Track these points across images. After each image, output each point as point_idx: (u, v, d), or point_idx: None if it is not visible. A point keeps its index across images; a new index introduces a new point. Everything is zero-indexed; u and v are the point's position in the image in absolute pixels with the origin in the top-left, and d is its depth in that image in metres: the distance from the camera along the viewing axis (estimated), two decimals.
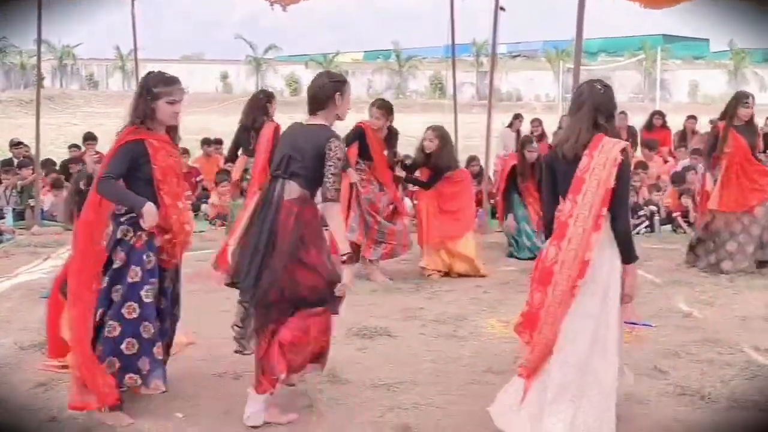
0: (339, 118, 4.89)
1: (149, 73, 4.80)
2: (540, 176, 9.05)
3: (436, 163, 8.75)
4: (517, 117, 15.81)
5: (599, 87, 4.38)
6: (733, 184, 8.60)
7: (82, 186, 6.62)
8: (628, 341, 5.76)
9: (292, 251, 4.54)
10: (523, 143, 10.27)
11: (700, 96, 50.62)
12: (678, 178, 12.60)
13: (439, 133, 8.74)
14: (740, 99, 8.68)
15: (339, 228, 4.87)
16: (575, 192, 4.19)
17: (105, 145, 7.01)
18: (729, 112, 8.61)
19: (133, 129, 4.67)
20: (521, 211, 9.98)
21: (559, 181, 4.34)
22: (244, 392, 5.12)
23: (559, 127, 13.84)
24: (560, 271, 4.19)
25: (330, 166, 4.67)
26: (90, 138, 15.05)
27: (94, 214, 4.72)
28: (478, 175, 12.89)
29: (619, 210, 4.22)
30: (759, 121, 15.17)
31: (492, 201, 12.22)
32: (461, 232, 8.79)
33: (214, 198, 12.99)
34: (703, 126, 15.37)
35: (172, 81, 4.67)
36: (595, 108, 4.30)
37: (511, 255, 9.91)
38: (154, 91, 4.62)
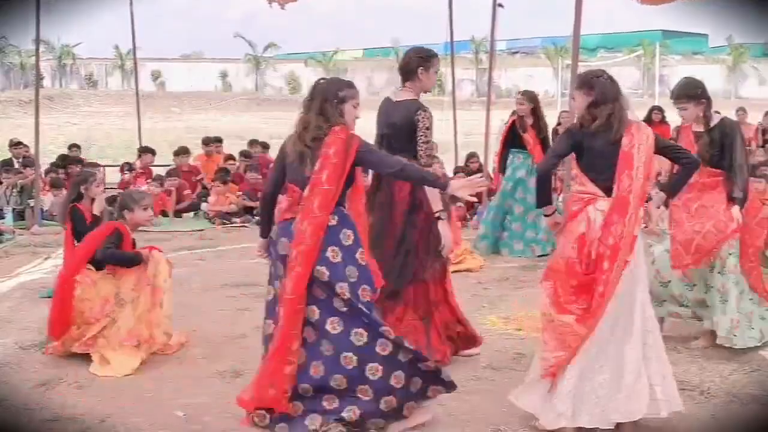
0: (424, 90, 5.46)
1: (323, 80, 4.68)
2: (539, 124, 9.74)
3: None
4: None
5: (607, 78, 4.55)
6: None
7: (82, 190, 6.66)
8: None
9: (411, 220, 5.23)
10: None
11: None
12: None
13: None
14: None
15: (432, 190, 5.15)
16: (629, 167, 4.30)
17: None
18: None
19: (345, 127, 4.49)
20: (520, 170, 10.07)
21: (585, 157, 4.47)
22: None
23: (558, 123, 13.83)
24: (623, 251, 4.26)
25: (420, 135, 5.21)
26: (147, 151, 14.83)
27: None
28: (478, 172, 12.89)
29: None
30: (756, 117, 15.27)
31: (491, 198, 12.20)
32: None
33: (212, 195, 13.00)
34: None
35: (353, 85, 4.64)
36: (618, 98, 4.49)
37: (496, 248, 9.88)
38: (341, 95, 4.49)
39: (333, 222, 4.32)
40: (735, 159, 5.83)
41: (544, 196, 4.67)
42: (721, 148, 5.89)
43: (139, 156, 14.76)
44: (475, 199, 10.94)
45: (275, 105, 44.50)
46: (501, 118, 15.36)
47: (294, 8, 11.79)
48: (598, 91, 4.46)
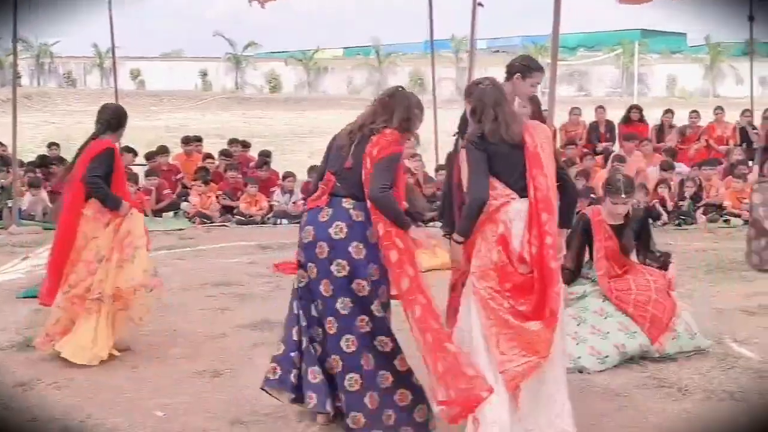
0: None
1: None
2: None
3: None
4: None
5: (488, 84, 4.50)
6: None
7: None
8: None
9: None
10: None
11: (677, 90, 50.91)
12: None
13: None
14: None
15: None
16: (539, 167, 4.28)
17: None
18: None
19: None
20: None
21: (493, 163, 4.33)
22: (224, 390, 5.15)
23: None
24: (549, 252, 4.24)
25: None
26: (129, 151, 14.23)
27: None
28: None
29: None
30: (734, 115, 15.36)
31: None
32: None
33: (194, 197, 12.94)
34: (680, 120, 15.47)
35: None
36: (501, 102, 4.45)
37: None
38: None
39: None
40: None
41: (473, 226, 4.35)
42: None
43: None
44: None
45: (255, 104, 44.34)
46: None
47: (274, 7, 11.81)
48: (476, 97, 4.45)
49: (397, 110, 4.43)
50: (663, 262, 6.01)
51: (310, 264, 4.38)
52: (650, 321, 5.69)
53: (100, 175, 5.82)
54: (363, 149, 4.34)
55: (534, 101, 9.74)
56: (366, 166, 4.30)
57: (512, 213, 4.30)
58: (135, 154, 14.47)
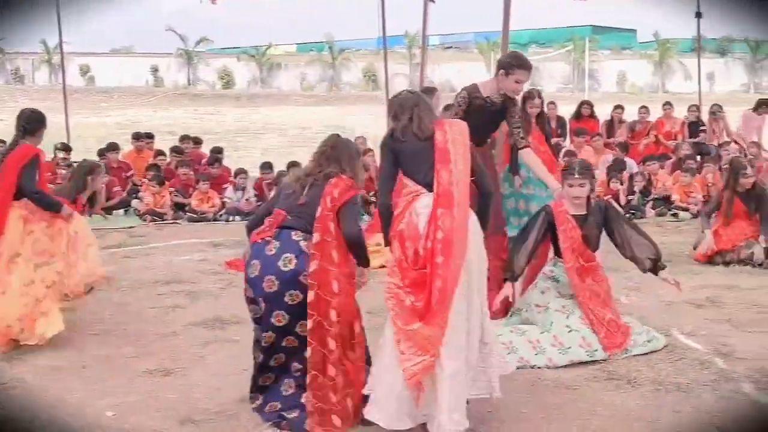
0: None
1: None
2: (546, 126, 9.47)
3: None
4: (448, 108, 15.87)
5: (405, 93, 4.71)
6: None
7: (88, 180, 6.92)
8: None
9: None
10: (524, 99, 9.40)
11: (627, 86, 51.53)
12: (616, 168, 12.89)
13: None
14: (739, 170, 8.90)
15: None
16: (446, 162, 4.32)
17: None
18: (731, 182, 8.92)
19: None
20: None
21: (404, 161, 4.49)
22: (175, 389, 5.11)
23: None
24: (456, 243, 4.22)
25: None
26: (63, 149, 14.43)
27: None
28: None
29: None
30: (681, 111, 15.60)
31: None
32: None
33: (147, 196, 12.77)
34: (630, 115, 15.67)
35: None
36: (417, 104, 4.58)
37: None
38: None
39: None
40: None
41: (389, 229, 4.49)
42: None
43: (54, 153, 14.30)
44: None
45: (208, 100, 44.00)
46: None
47: (226, 2, 11.73)
48: (396, 105, 4.60)
49: (343, 159, 4.63)
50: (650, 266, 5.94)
51: (260, 298, 4.48)
52: (607, 327, 5.69)
53: (37, 189, 6.10)
54: (320, 191, 4.48)
55: (541, 119, 9.46)
56: (325, 205, 4.43)
57: (419, 208, 4.36)
58: (68, 150, 14.26)
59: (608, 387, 5.12)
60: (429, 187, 4.36)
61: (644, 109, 15.39)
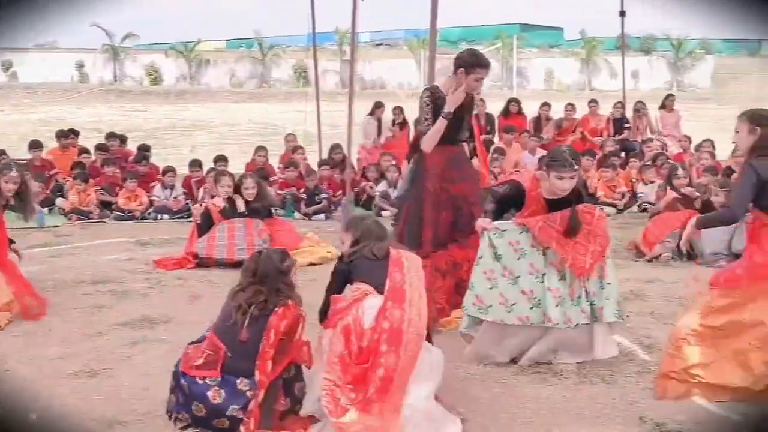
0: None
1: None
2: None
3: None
4: (379, 105, 15.95)
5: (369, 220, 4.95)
6: None
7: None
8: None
9: None
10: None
11: (555, 83, 52.25)
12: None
13: None
14: None
15: None
16: (399, 267, 4.50)
17: None
18: None
19: None
20: None
21: (359, 275, 4.56)
22: (101, 390, 5.03)
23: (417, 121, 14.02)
24: (408, 330, 4.27)
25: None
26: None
27: None
28: (341, 163, 12.98)
29: None
30: (607, 108, 15.94)
31: (354, 189, 12.31)
32: None
33: (72, 194, 12.52)
34: (557, 112, 15.92)
35: None
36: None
37: None
38: None
39: None
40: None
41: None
42: None
43: None
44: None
45: (135, 97, 43.32)
46: (366, 110, 15.51)
47: None
48: (362, 231, 4.71)
49: (270, 277, 4.46)
50: None
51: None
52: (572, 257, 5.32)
53: None
54: (264, 324, 4.33)
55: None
56: (268, 340, 4.31)
57: (367, 307, 4.36)
58: None
59: (535, 380, 5.21)
60: (379, 290, 4.41)
61: (570, 107, 15.67)
